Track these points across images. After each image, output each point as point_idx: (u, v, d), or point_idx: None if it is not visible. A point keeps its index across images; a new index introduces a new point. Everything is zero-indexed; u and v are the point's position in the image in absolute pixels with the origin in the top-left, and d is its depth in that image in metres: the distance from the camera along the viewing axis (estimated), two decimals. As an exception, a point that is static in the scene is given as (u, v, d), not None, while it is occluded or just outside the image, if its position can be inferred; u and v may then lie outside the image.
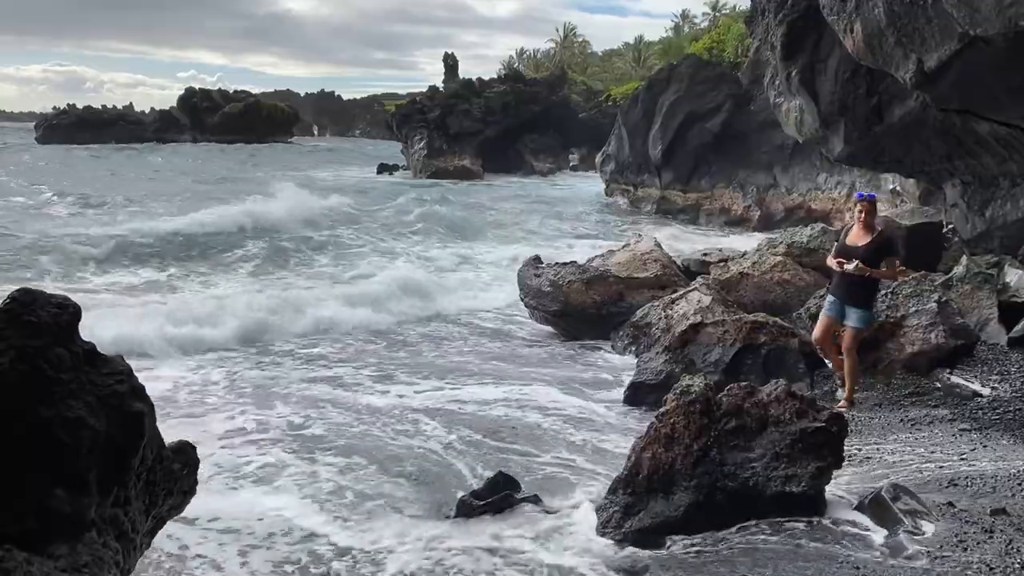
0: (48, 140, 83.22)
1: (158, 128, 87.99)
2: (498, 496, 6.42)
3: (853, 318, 8.47)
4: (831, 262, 8.53)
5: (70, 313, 2.91)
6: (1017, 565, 5.04)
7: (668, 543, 5.74)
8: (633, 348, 11.51)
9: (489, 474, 6.99)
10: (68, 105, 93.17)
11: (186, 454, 3.52)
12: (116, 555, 2.99)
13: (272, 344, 12.29)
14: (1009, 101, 3.75)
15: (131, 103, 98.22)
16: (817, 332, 8.78)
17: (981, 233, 4.85)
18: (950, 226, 12.45)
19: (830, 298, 8.69)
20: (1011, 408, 7.93)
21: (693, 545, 5.67)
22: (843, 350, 8.49)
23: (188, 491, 3.58)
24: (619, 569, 5.60)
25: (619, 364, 11.40)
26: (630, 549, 5.80)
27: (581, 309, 12.77)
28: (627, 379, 10.12)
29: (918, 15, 3.44)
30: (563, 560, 5.81)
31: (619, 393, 9.88)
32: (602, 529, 6.03)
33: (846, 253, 8.30)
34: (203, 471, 3.97)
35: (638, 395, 9.57)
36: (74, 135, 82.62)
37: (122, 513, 3.09)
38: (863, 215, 8.33)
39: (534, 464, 7.81)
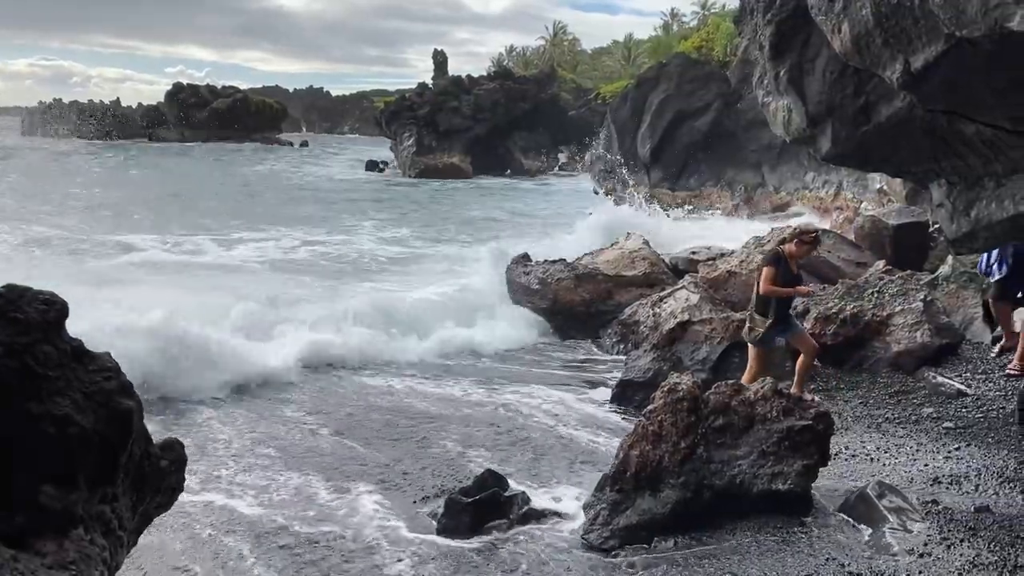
0: (32, 133, 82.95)
1: (145, 124, 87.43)
2: (486, 494, 6.44)
3: (799, 326, 8.63)
4: (800, 290, 8.22)
5: (57, 310, 2.90)
6: (1001, 562, 5.10)
7: (655, 541, 5.76)
8: (621, 346, 11.55)
9: (477, 471, 7.00)
10: (55, 99, 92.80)
11: (174, 451, 3.50)
12: (103, 552, 2.97)
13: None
14: (995, 102, 3.78)
15: (118, 98, 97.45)
16: (758, 371, 8.14)
17: (966, 233, 4.88)
18: (936, 226, 12.54)
19: (777, 330, 8.24)
20: (994, 407, 8.00)
21: (680, 543, 5.70)
22: (811, 354, 8.46)
23: (176, 488, 3.56)
24: (606, 567, 5.63)
25: (607, 362, 11.44)
26: (616, 546, 5.82)
27: (569, 307, 12.79)
28: (615, 377, 10.15)
29: (905, 16, 3.46)
30: (550, 558, 5.83)
31: (607, 391, 9.91)
32: (589, 526, 6.05)
33: (799, 281, 8.22)
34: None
35: (626, 393, 9.60)
36: (59, 129, 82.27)
37: (109, 510, 3.08)
38: (809, 249, 8.33)
39: (522, 461, 7.83)
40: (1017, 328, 8.87)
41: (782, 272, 8.05)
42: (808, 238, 8.18)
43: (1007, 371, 8.64)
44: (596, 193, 34.20)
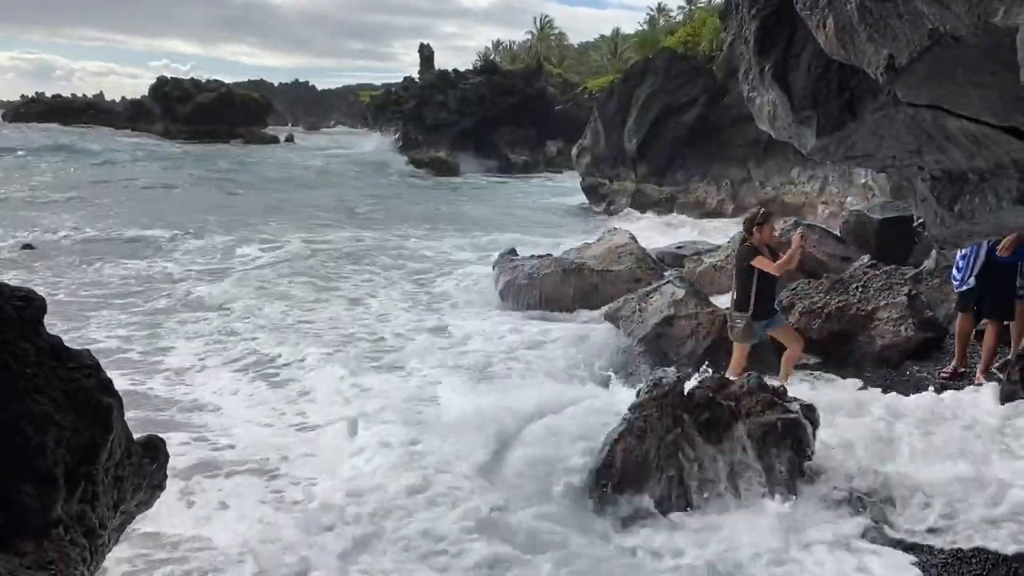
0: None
1: (129, 118, 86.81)
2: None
3: (784, 319, 8.82)
4: (793, 246, 8.34)
5: (35, 307, 2.86)
6: (984, 552, 5.15)
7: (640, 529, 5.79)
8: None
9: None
10: (36, 93, 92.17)
11: (155, 448, 3.48)
12: (83, 552, 2.95)
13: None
14: (978, 97, 3.78)
15: (101, 92, 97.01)
16: (740, 368, 8.20)
17: (950, 228, 4.89)
18: (920, 220, 12.60)
19: (760, 325, 8.37)
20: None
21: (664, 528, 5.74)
22: (797, 348, 8.56)
23: (157, 486, 3.54)
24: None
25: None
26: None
27: (557, 302, 12.79)
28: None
29: (889, 11, 3.46)
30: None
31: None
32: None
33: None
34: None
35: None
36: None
37: (90, 509, 3.05)
38: (770, 228, 8.53)
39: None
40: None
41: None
42: (761, 219, 8.41)
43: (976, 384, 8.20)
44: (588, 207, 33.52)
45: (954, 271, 8.77)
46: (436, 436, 6.95)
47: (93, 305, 13.10)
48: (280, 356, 10.52)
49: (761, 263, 8.15)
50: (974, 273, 8.38)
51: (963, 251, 8.48)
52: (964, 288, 8.55)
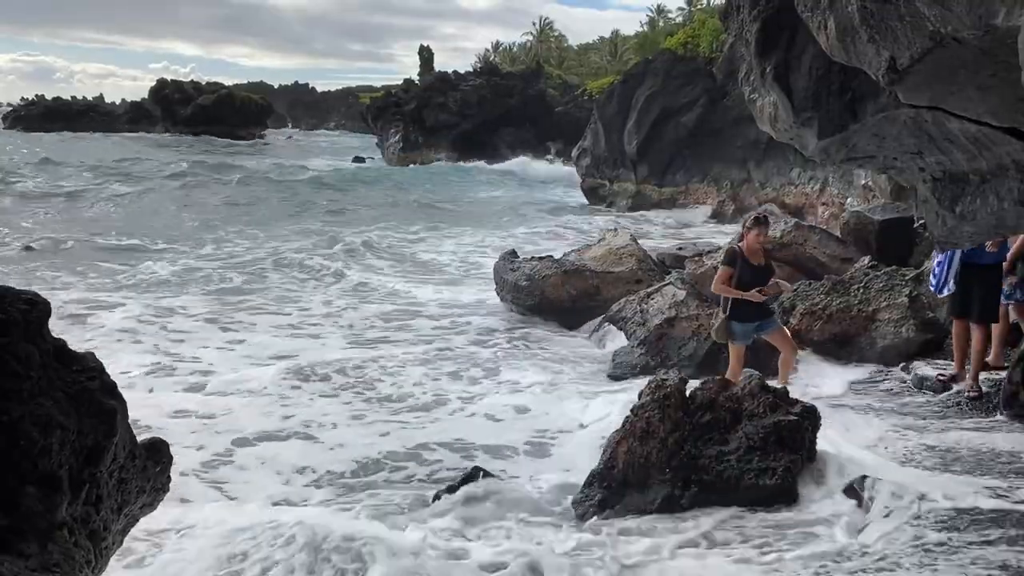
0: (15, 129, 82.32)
1: (129, 120, 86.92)
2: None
3: (777, 321, 8.63)
4: (761, 292, 8.01)
5: (40, 310, 2.87)
6: (984, 545, 5.16)
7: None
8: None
9: (467, 465, 6.97)
10: (37, 96, 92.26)
11: (159, 451, 3.48)
12: (88, 554, 2.95)
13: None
14: (979, 98, 3.80)
15: (101, 94, 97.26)
16: (737, 369, 8.08)
17: (951, 229, 4.91)
18: (921, 221, 12.60)
19: (745, 328, 8.15)
20: (975, 399, 8.06)
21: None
22: (791, 351, 8.50)
23: (161, 488, 3.55)
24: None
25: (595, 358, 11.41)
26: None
27: (557, 304, 12.79)
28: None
29: (890, 13, 3.47)
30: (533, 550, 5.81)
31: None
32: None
33: (764, 275, 8.16)
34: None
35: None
36: (44, 126, 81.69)
37: (94, 511, 3.06)
38: (762, 236, 8.31)
39: (509, 460, 7.81)
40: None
41: (740, 269, 8.05)
42: (750, 223, 8.33)
43: (968, 394, 8.08)
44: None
45: (930, 277, 8.68)
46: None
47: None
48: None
49: (720, 273, 8.13)
50: (952, 278, 8.28)
51: (939, 257, 8.41)
52: (946, 293, 8.47)
